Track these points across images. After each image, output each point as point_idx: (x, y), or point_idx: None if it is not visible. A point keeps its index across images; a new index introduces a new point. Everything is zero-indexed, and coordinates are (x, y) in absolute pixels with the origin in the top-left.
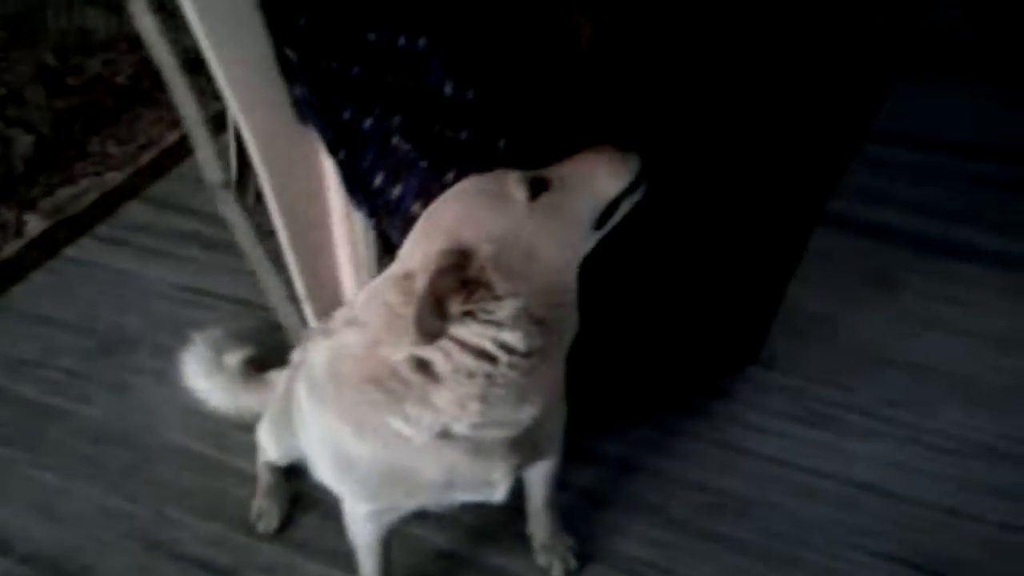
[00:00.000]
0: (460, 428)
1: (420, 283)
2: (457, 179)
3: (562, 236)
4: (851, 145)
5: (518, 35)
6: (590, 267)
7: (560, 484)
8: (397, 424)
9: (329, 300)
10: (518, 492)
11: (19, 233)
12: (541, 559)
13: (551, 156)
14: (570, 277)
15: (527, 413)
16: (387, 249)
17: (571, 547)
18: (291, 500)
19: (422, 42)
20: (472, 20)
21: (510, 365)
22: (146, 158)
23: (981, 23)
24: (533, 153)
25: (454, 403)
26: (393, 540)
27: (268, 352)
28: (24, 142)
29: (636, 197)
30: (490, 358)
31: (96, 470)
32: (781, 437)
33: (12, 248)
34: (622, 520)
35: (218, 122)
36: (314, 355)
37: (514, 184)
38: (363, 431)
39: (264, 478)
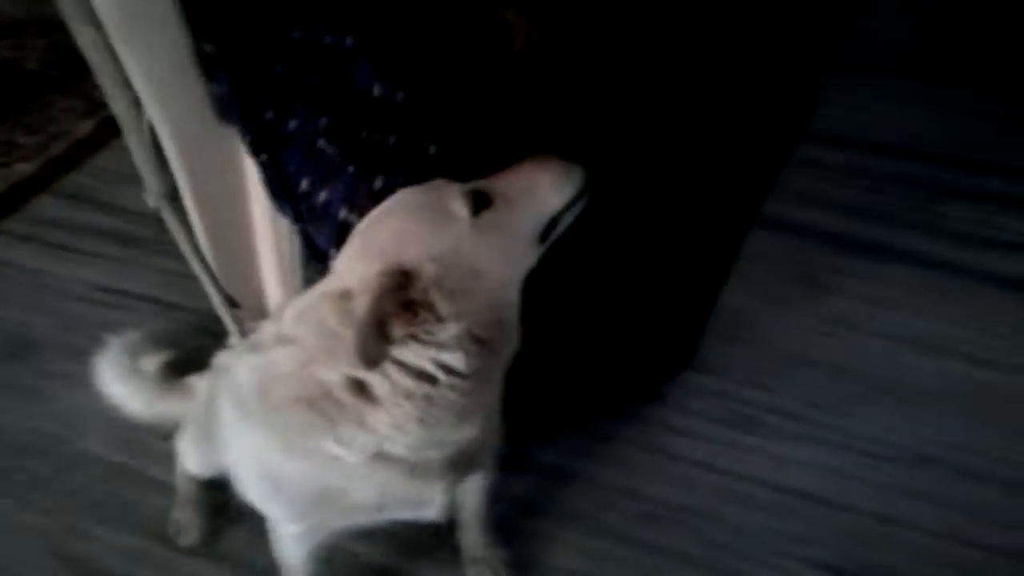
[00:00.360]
0: (396, 449)
1: (361, 306)
2: (385, 185)
3: (506, 253)
4: (788, 147)
5: (450, 35)
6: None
7: (493, 495)
8: (330, 446)
9: (251, 304)
10: (451, 505)
11: None
12: (472, 572)
13: (482, 162)
14: (513, 293)
15: (466, 432)
16: (312, 255)
17: (503, 559)
18: (213, 511)
19: (349, 40)
20: (401, 18)
21: (451, 386)
22: (58, 149)
23: (913, 26)
24: (464, 159)
25: (391, 425)
26: (322, 556)
27: (188, 355)
28: None
29: (578, 209)
30: (430, 379)
31: (6, 482)
32: (711, 442)
33: None
34: (556, 530)
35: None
36: (240, 371)
37: (455, 200)
38: (293, 452)
39: (183, 489)
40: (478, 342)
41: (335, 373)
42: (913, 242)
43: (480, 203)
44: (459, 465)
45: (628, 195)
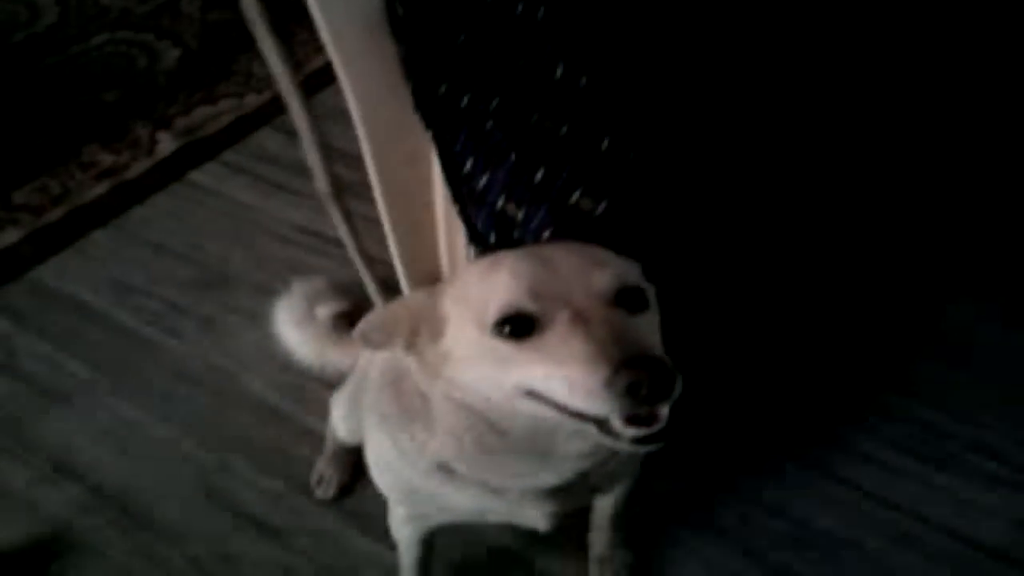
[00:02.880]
0: (459, 468)
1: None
2: (546, 178)
3: (483, 382)
4: None
5: (664, 23)
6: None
7: (635, 495)
8: (404, 442)
9: (426, 275)
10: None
11: (150, 152)
12: (594, 570)
13: (658, 167)
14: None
15: (530, 481)
16: (472, 237)
17: (628, 564)
18: (354, 470)
19: (542, 11)
20: None
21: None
22: None
23: None
24: (639, 161)
25: (447, 443)
26: (436, 539)
27: (365, 308)
28: (170, 56)
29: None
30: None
31: (173, 408)
32: (895, 474)
33: (140, 167)
34: (692, 541)
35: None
36: None
37: (494, 308)
38: (396, 441)
39: (331, 444)
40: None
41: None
42: None
43: (518, 330)
44: (560, 498)
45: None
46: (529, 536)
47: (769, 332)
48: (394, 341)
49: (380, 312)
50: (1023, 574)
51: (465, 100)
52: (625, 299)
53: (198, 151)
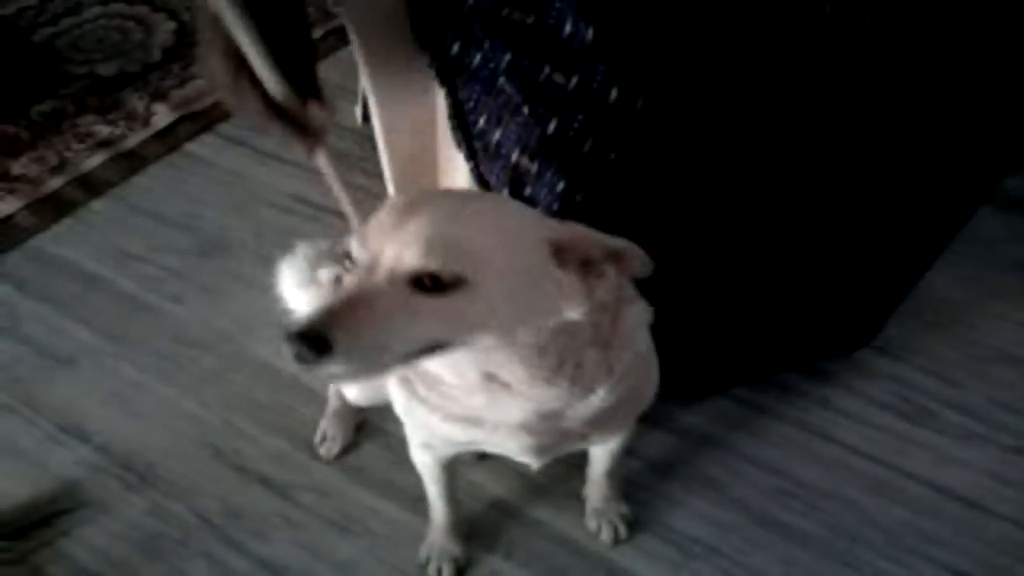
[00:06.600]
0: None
1: None
2: (558, 130)
3: None
4: None
5: None
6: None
7: (626, 450)
8: None
9: None
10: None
11: (146, 123)
12: (591, 522)
13: (664, 116)
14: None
15: (481, 413)
16: None
17: (623, 515)
18: (356, 428)
19: None
20: None
21: None
22: None
23: None
24: (646, 110)
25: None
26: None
27: None
28: (165, 29)
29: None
30: None
31: (176, 371)
32: (873, 428)
33: (137, 138)
34: (683, 494)
35: None
36: None
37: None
38: None
39: (333, 403)
40: None
41: None
42: None
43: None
44: (532, 434)
45: (835, 147)
46: (525, 488)
47: (746, 290)
48: None
49: None
50: (998, 521)
51: (477, 58)
52: (424, 281)
53: (194, 122)
